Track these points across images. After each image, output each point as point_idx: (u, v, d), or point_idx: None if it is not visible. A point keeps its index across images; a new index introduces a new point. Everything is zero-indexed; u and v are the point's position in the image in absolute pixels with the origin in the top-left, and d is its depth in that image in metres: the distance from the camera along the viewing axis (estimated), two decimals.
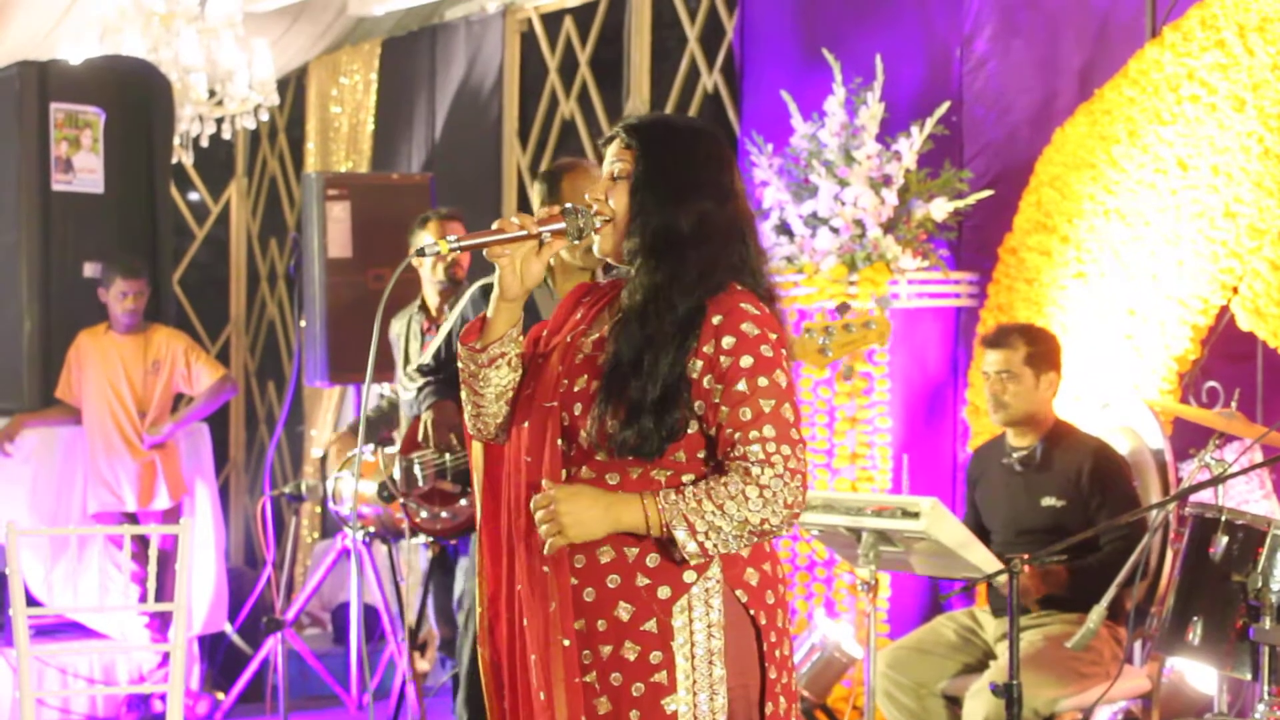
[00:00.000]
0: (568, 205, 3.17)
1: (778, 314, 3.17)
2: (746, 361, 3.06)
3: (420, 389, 5.11)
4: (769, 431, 3.04)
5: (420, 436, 5.26)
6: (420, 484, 5.21)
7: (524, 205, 8.52)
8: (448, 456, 5.12)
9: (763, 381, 3.05)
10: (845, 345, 4.48)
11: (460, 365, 3.26)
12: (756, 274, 3.18)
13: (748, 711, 3.14)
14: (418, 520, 5.37)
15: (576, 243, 3.19)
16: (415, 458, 5.21)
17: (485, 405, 3.26)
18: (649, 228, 3.13)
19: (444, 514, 5.28)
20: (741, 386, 3.05)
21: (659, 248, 3.13)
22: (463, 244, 3.14)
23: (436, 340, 5.17)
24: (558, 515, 3.06)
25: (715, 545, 3.03)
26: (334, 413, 9.67)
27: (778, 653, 3.17)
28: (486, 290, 5.00)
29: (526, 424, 3.19)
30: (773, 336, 3.10)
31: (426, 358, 5.19)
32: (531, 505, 3.10)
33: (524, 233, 3.13)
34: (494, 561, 3.29)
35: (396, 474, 5.49)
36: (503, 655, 3.28)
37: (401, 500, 5.48)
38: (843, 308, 4.65)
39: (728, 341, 3.07)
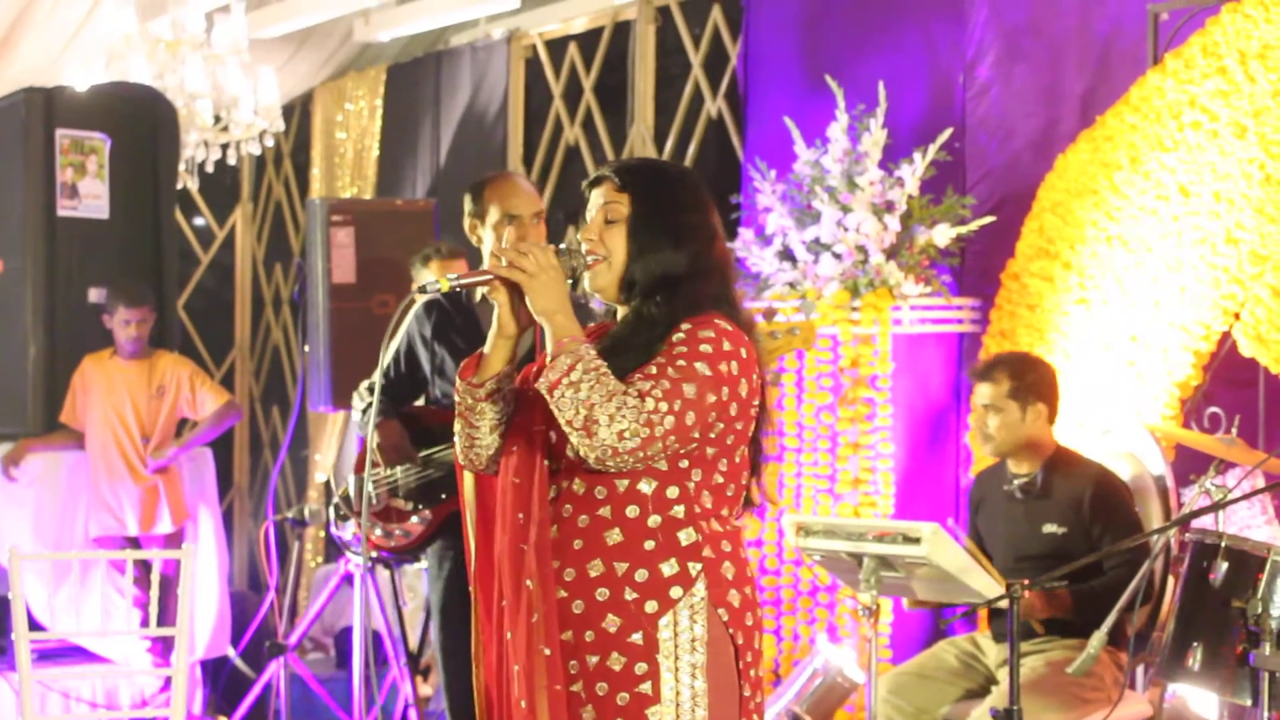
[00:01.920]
0: (562, 245, 3.33)
1: (755, 340, 3.34)
2: (681, 349, 3.21)
3: (364, 410, 5.14)
4: (664, 385, 3.15)
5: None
6: (374, 502, 5.23)
7: None
8: (398, 471, 5.13)
9: (681, 363, 3.19)
10: (771, 352, 4.54)
11: (457, 399, 3.37)
12: (734, 305, 3.35)
13: None
14: (373, 538, 5.37)
15: (569, 280, 3.30)
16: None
17: (480, 438, 3.37)
18: (649, 269, 3.30)
19: (398, 531, 5.29)
20: (661, 358, 3.20)
21: (657, 287, 3.30)
22: (462, 281, 3.31)
23: (387, 356, 5.17)
24: (539, 263, 3.21)
25: (557, 398, 3.12)
26: (338, 437, 9.68)
27: (752, 672, 3.30)
28: (429, 307, 5.01)
29: (515, 448, 3.30)
30: (726, 346, 3.23)
31: (377, 375, 5.21)
32: (516, 244, 3.26)
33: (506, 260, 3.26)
34: (486, 594, 3.38)
35: (351, 492, 5.51)
36: (493, 681, 3.36)
37: (356, 519, 5.48)
38: (769, 313, 4.70)
39: (676, 337, 3.23)
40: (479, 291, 4.91)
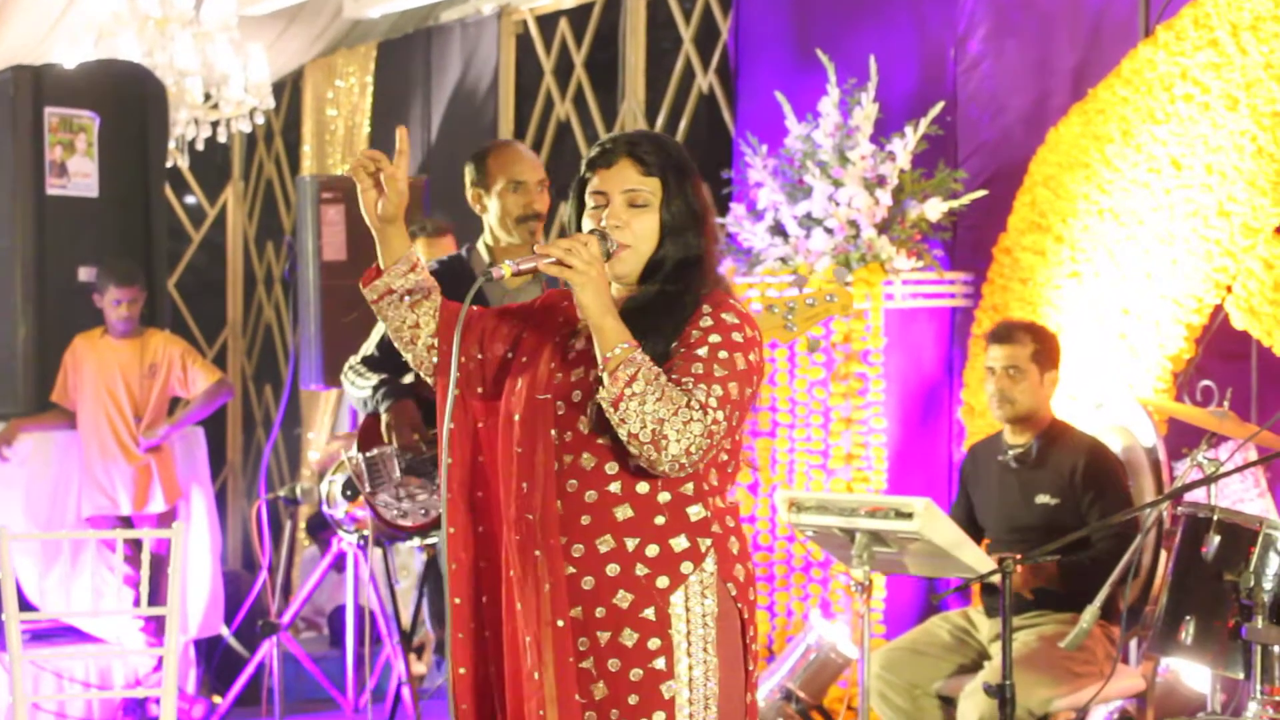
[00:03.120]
0: (594, 230, 3.27)
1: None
2: (715, 338, 3.20)
3: (375, 388, 5.10)
4: (717, 391, 3.15)
5: (384, 436, 5.25)
6: (397, 476, 5.21)
7: None
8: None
9: (723, 355, 3.19)
10: (809, 318, 4.51)
11: (382, 314, 3.39)
12: (722, 278, 3.38)
13: (733, 699, 3.26)
14: (389, 518, 5.35)
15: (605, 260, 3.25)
16: (379, 453, 5.20)
17: (424, 325, 3.39)
18: (676, 254, 3.29)
19: (420, 511, 5.28)
20: (703, 351, 3.19)
21: (676, 270, 3.29)
22: (522, 267, 3.24)
23: (380, 329, 5.15)
24: (585, 260, 3.14)
25: (622, 411, 3.10)
26: (330, 415, 9.67)
27: (754, 646, 3.31)
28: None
29: (518, 417, 3.29)
30: (749, 332, 3.24)
31: (370, 348, 5.18)
32: (560, 240, 3.18)
33: (554, 259, 3.19)
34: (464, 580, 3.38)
35: (364, 470, 5.49)
36: (471, 655, 3.37)
37: (366, 498, 5.45)
38: (799, 282, 4.68)
39: (705, 322, 3.22)
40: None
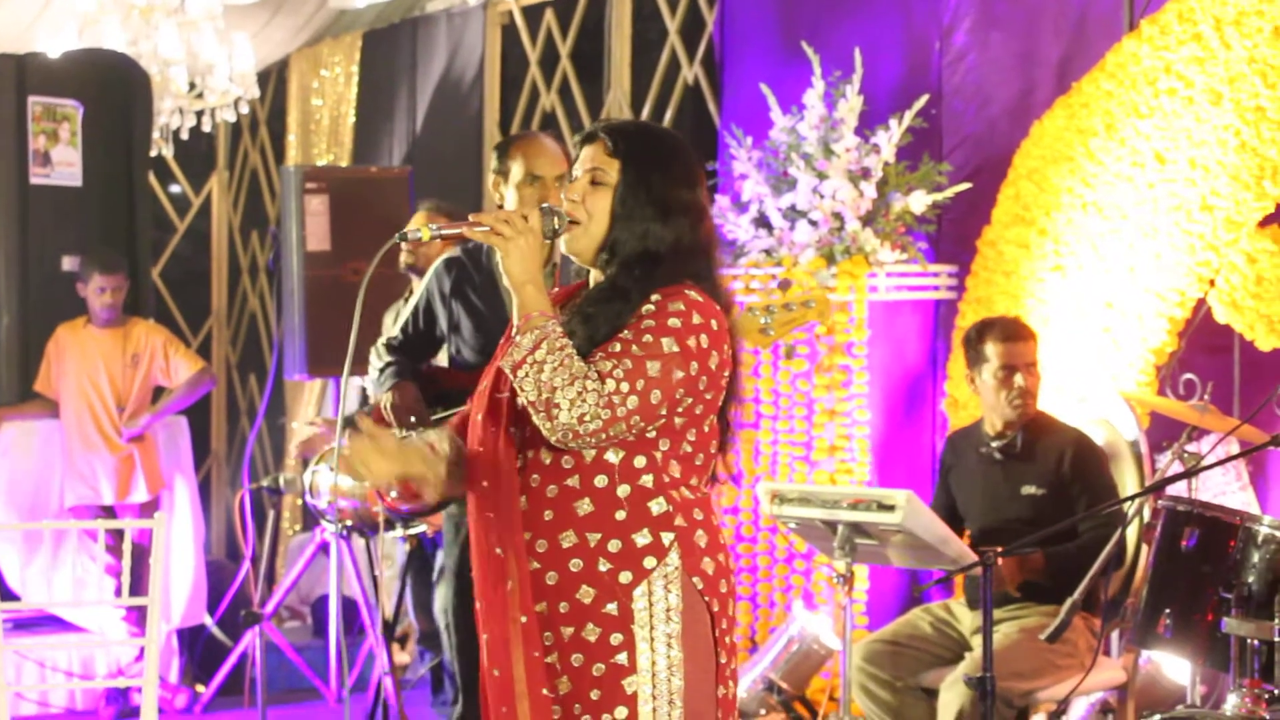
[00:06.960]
0: (544, 205, 3.29)
1: (732, 321, 3.30)
2: (648, 323, 3.18)
3: (382, 369, 5.10)
4: (626, 365, 3.13)
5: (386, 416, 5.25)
6: None
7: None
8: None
9: (648, 338, 3.16)
10: (786, 323, 4.52)
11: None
12: (715, 284, 3.31)
13: (702, 693, 3.24)
14: (389, 500, 5.35)
15: (548, 240, 3.27)
16: None
17: None
18: (631, 240, 3.26)
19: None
20: (628, 334, 3.17)
21: (633, 261, 3.26)
22: (443, 232, 3.29)
23: (404, 313, 5.15)
24: (517, 228, 3.19)
25: (520, 378, 3.13)
26: (315, 405, 9.66)
27: (728, 639, 3.29)
28: (449, 263, 4.98)
29: (480, 416, 3.30)
30: (696, 319, 3.19)
31: (394, 330, 5.18)
32: (507, 213, 3.22)
33: (487, 228, 3.23)
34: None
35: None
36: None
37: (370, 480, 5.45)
38: (784, 284, 4.67)
39: (646, 309, 3.20)
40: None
